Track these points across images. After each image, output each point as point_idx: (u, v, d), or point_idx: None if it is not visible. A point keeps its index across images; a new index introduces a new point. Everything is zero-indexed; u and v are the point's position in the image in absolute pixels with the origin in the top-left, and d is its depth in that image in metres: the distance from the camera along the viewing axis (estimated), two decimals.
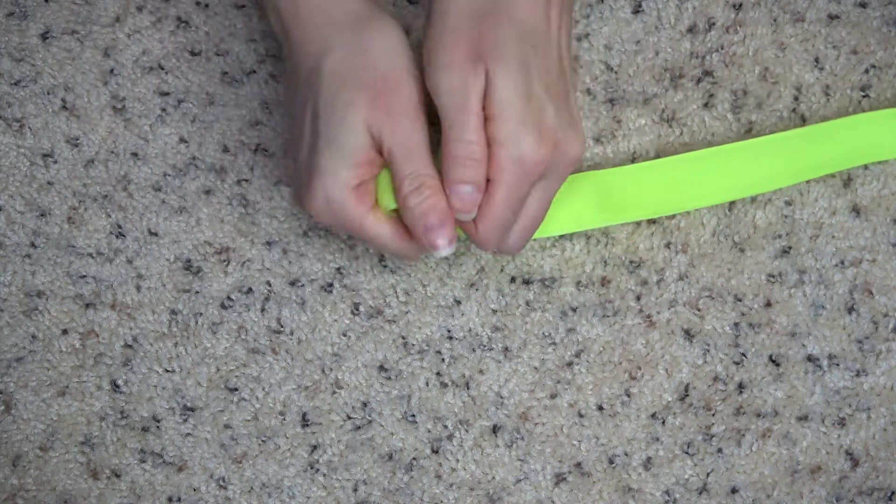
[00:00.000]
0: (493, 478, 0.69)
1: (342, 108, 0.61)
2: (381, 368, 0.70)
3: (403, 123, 0.61)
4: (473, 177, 0.61)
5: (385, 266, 0.71)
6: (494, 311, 0.70)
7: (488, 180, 0.61)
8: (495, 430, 0.69)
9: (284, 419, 0.70)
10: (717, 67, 0.72)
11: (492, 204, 0.62)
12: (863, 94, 0.72)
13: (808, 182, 0.71)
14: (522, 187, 0.62)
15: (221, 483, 0.69)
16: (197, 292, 0.71)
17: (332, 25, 0.63)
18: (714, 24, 0.73)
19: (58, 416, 0.70)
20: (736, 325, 0.70)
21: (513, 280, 0.71)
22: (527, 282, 0.71)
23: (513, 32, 0.61)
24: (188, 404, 0.70)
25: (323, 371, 0.70)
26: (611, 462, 0.69)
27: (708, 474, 0.69)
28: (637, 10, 0.73)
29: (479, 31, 0.61)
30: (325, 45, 0.63)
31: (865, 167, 0.71)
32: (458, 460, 0.69)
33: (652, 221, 0.71)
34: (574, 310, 0.70)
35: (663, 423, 0.69)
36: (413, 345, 0.70)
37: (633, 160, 0.72)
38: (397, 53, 0.63)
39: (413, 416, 0.69)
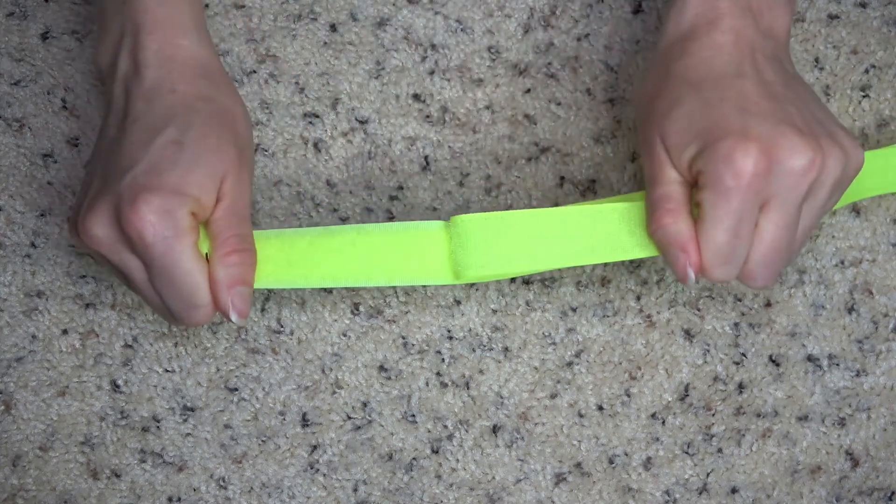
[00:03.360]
0: (493, 478, 0.69)
1: (214, 147, 0.61)
2: (381, 368, 0.70)
3: (247, 190, 0.62)
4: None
5: None
6: (494, 311, 0.70)
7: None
8: (495, 430, 0.69)
9: (284, 419, 0.70)
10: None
11: (705, 229, 0.59)
12: (863, 94, 0.72)
13: None
14: (734, 206, 0.58)
15: (221, 483, 0.69)
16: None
17: (204, 77, 0.64)
18: None
19: (58, 416, 0.70)
20: (736, 325, 0.70)
21: (513, 280, 0.71)
22: (527, 282, 0.71)
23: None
24: (188, 404, 0.70)
25: (323, 371, 0.70)
26: (611, 462, 0.69)
27: (708, 474, 0.69)
28: (637, 10, 0.73)
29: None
30: (199, 92, 0.63)
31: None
32: (458, 460, 0.69)
33: None
34: (574, 310, 0.70)
35: (663, 423, 0.69)
36: (413, 345, 0.70)
37: (634, 160, 0.72)
38: (248, 122, 0.64)
39: (413, 416, 0.69)
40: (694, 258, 0.59)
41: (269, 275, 0.64)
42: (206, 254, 0.62)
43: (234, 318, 0.61)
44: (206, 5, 0.73)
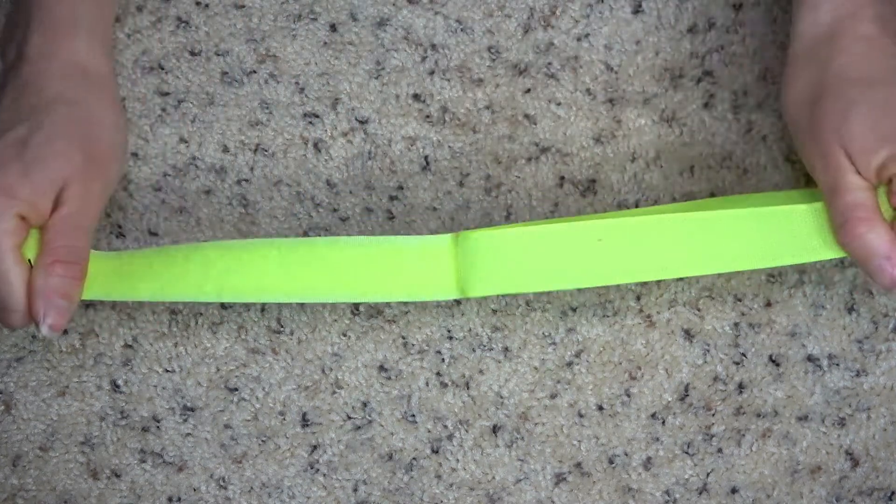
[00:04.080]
0: (493, 478, 0.69)
1: (58, 152, 0.60)
2: (381, 368, 0.70)
3: (92, 199, 0.61)
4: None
5: None
6: (494, 311, 0.70)
7: None
8: (495, 430, 0.69)
9: (284, 419, 0.69)
10: (717, 67, 0.72)
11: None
12: None
13: (808, 182, 0.71)
14: None
15: (221, 483, 0.69)
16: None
17: (79, 79, 0.63)
18: (714, 24, 0.73)
19: (58, 416, 0.70)
20: (736, 325, 0.70)
21: None
22: None
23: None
24: (188, 404, 0.70)
25: (323, 371, 0.70)
26: (611, 462, 0.69)
27: (708, 474, 0.69)
28: (637, 10, 0.73)
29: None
30: (64, 94, 0.62)
31: None
32: (458, 460, 0.69)
33: None
34: (574, 310, 0.70)
35: (663, 423, 0.69)
36: (413, 345, 0.70)
37: (634, 160, 0.72)
38: (118, 133, 0.63)
39: (413, 416, 0.69)
40: None
41: (101, 287, 0.63)
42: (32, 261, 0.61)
43: (44, 330, 0.60)
44: (206, 5, 0.73)
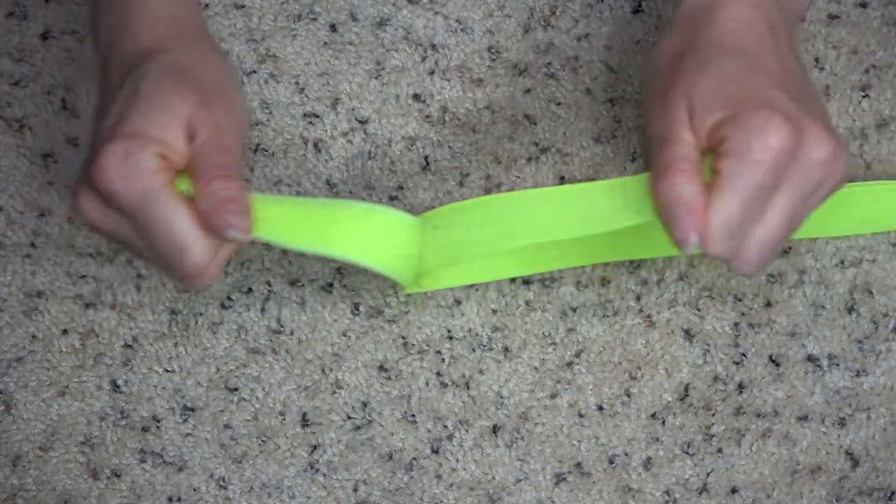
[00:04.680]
0: (493, 478, 0.69)
1: (170, 92, 0.59)
2: (381, 368, 0.70)
3: (223, 125, 0.59)
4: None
5: None
6: (494, 311, 0.70)
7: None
8: (495, 430, 0.69)
9: (284, 419, 0.69)
10: None
11: (720, 196, 0.57)
12: (863, 94, 0.72)
13: None
14: (756, 180, 0.56)
15: (221, 483, 0.69)
16: (197, 292, 0.71)
17: (169, 29, 0.62)
18: None
19: (58, 416, 0.70)
20: (736, 325, 0.70)
21: (513, 280, 0.71)
22: (527, 282, 0.71)
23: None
24: (188, 404, 0.70)
25: (323, 371, 0.70)
26: (611, 462, 0.69)
27: (708, 474, 0.69)
28: (637, 10, 0.73)
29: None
30: (160, 45, 0.61)
31: (867, 165, 0.71)
32: (458, 460, 0.69)
33: None
34: (574, 310, 0.70)
35: (663, 423, 0.69)
36: (413, 345, 0.70)
37: (634, 160, 0.72)
38: (227, 72, 0.63)
39: (413, 416, 0.69)
40: (700, 222, 0.57)
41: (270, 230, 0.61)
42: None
43: (232, 234, 0.57)
44: (206, 5, 0.73)
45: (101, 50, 0.64)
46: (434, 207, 0.71)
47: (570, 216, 0.62)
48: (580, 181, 0.71)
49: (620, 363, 0.70)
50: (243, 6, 0.74)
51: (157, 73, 0.60)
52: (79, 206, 0.59)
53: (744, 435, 0.69)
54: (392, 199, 0.71)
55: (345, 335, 0.70)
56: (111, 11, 0.63)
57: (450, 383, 0.70)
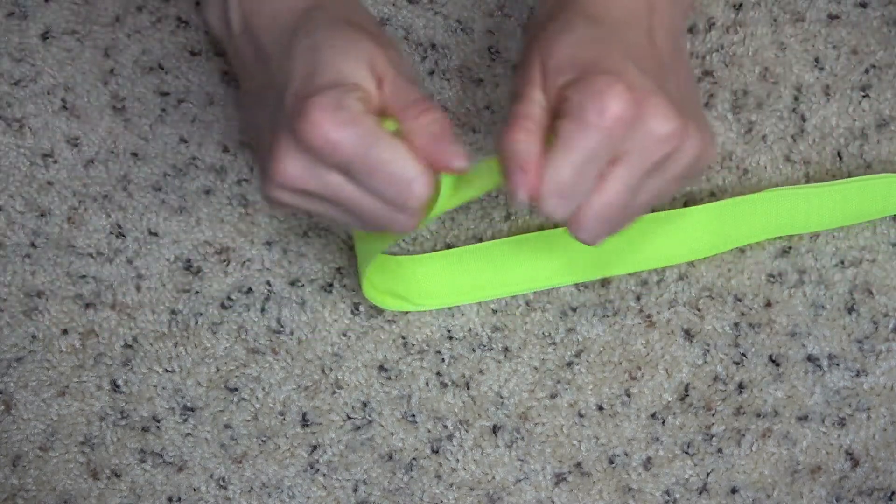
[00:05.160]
0: (493, 478, 0.69)
1: (346, 38, 0.59)
2: (381, 368, 0.70)
3: (404, 67, 0.60)
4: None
5: None
6: (494, 311, 0.70)
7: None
8: (495, 430, 0.69)
9: (284, 419, 0.69)
10: (717, 67, 0.72)
11: (554, 156, 0.57)
12: (863, 94, 0.72)
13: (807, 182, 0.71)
14: (590, 143, 0.56)
15: (221, 483, 0.69)
16: (197, 292, 0.71)
17: None
18: (714, 24, 0.73)
19: (58, 416, 0.70)
20: (736, 325, 0.70)
21: None
22: None
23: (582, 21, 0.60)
24: (188, 404, 0.70)
25: (323, 371, 0.70)
26: (611, 462, 0.69)
27: (708, 474, 0.69)
28: None
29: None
30: (309, 3, 0.61)
31: (868, 165, 0.71)
32: (458, 460, 0.69)
33: None
34: (574, 310, 0.70)
35: (663, 423, 0.69)
36: (413, 345, 0.70)
37: None
38: (377, 24, 0.63)
39: (413, 416, 0.69)
40: (533, 182, 0.57)
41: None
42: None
43: (456, 164, 0.57)
44: None
45: (232, 25, 0.64)
46: None
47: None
48: None
49: (620, 363, 0.70)
50: None
51: (328, 24, 0.60)
52: (283, 173, 0.58)
53: (744, 435, 0.69)
54: None
55: (345, 335, 0.70)
56: None
57: (450, 383, 0.70)
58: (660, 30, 0.61)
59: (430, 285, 0.70)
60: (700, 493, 0.69)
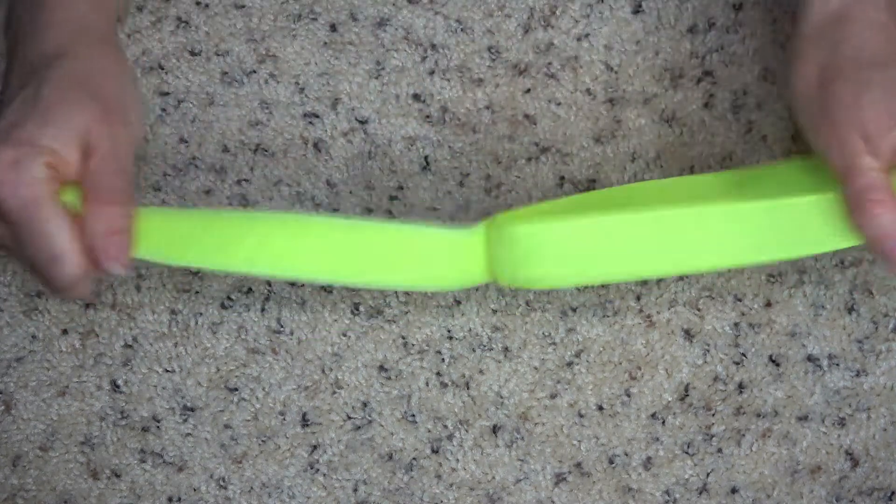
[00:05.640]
0: (493, 478, 0.69)
1: (72, 101, 0.59)
2: (381, 368, 0.70)
3: (121, 143, 0.59)
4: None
5: None
6: (494, 311, 0.70)
7: None
8: (495, 430, 0.69)
9: (284, 419, 0.69)
10: (717, 67, 0.72)
11: None
12: None
13: None
14: None
15: (221, 483, 0.69)
16: (197, 292, 0.71)
17: (70, 34, 0.62)
18: (714, 24, 0.73)
19: (58, 416, 0.70)
20: (736, 325, 0.70)
21: None
22: None
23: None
24: (188, 404, 0.70)
25: (323, 371, 0.70)
26: (611, 462, 0.69)
27: (708, 474, 0.69)
28: (637, 10, 0.73)
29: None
30: (66, 49, 0.61)
31: None
32: (458, 460, 0.69)
33: None
34: (574, 310, 0.70)
35: (663, 423, 0.69)
36: (413, 345, 0.70)
37: (634, 160, 0.72)
38: (129, 82, 0.62)
39: (413, 416, 0.69)
40: None
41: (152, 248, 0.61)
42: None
43: (111, 266, 0.57)
44: (206, 5, 0.73)
45: (8, 45, 0.64)
46: (434, 207, 0.71)
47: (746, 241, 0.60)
48: (580, 181, 0.71)
49: (620, 363, 0.70)
50: (243, 6, 0.73)
51: (59, 82, 0.60)
52: None
53: (744, 435, 0.69)
54: (392, 199, 0.71)
55: (345, 335, 0.70)
56: (23, 6, 0.63)
57: (450, 383, 0.70)
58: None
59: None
60: (700, 493, 0.69)
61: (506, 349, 0.70)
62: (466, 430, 0.69)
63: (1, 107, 0.61)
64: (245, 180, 0.72)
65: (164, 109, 0.72)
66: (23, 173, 0.57)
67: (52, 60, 0.61)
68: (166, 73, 0.73)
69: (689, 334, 0.70)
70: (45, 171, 0.57)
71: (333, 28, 0.73)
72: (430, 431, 0.69)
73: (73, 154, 0.58)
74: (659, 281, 0.70)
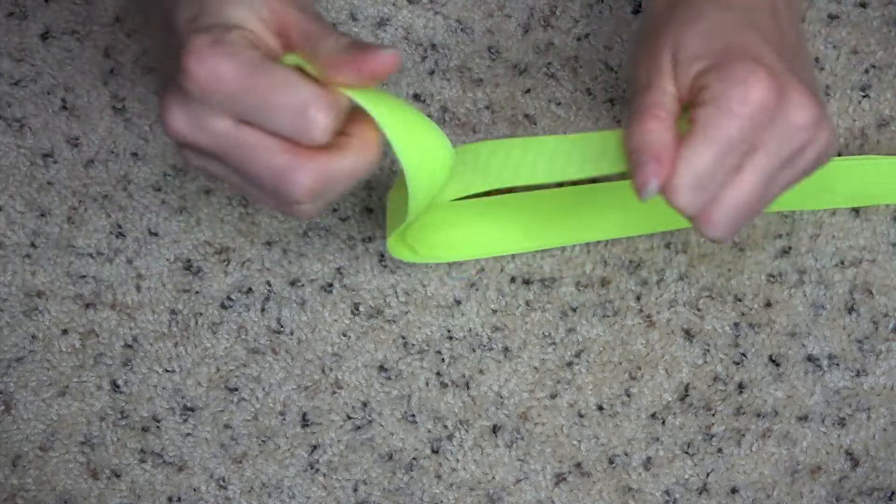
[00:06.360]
0: (493, 478, 0.69)
1: None
2: (381, 368, 0.70)
3: (319, 21, 0.55)
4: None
5: (385, 266, 0.71)
6: (494, 311, 0.70)
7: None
8: (495, 430, 0.69)
9: (284, 419, 0.69)
10: None
11: (692, 145, 0.55)
12: (863, 94, 0.72)
13: None
14: (731, 132, 0.54)
15: (221, 483, 0.69)
16: (197, 292, 0.71)
17: None
18: None
19: (58, 416, 0.70)
20: (736, 325, 0.70)
21: (513, 280, 0.71)
22: (527, 282, 0.71)
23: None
24: (188, 404, 0.70)
25: (323, 371, 0.70)
26: (611, 462, 0.69)
27: (708, 474, 0.69)
28: (637, 10, 0.73)
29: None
30: None
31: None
32: (458, 460, 0.69)
33: None
34: (574, 310, 0.70)
35: (663, 423, 0.69)
36: (413, 345, 0.70)
37: None
38: None
39: (413, 416, 0.69)
40: (665, 171, 0.55)
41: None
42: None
43: (386, 58, 0.52)
44: None
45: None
46: None
47: (575, 159, 0.60)
48: (580, 181, 0.71)
49: (620, 363, 0.70)
50: None
51: None
52: (169, 122, 0.53)
53: (744, 435, 0.69)
54: None
55: (345, 335, 0.70)
56: None
57: (450, 383, 0.70)
58: (784, 12, 0.59)
59: (456, 236, 0.68)
60: (700, 493, 0.69)
61: (506, 349, 0.70)
62: (466, 430, 0.69)
63: (174, 12, 0.55)
64: None
65: None
66: (228, 45, 0.52)
67: None
68: None
69: (689, 334, 0.70)
70: (246, 38, 0.53)
71: (333, 28, 0.73)
72: (430, 431, 0.69)
73: (258, 27, 0.54)
74: (659, 281, 0.70)
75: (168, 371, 0.70)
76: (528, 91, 0.73)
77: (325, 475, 0.69)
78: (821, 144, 0.57)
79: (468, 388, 0.70)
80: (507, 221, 0.69)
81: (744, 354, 0.70)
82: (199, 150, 0.55)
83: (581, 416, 0.69)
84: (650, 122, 0.56)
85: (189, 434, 0.69)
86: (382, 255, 0.71)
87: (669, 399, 0.69)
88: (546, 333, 0.70)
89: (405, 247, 0.68)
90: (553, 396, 0.70)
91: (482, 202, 0.69)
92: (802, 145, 0.56)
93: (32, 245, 0.71)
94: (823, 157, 0.58)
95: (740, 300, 0.70)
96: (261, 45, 0.54)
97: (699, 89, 0.56)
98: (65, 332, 0.70)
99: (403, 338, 0.70)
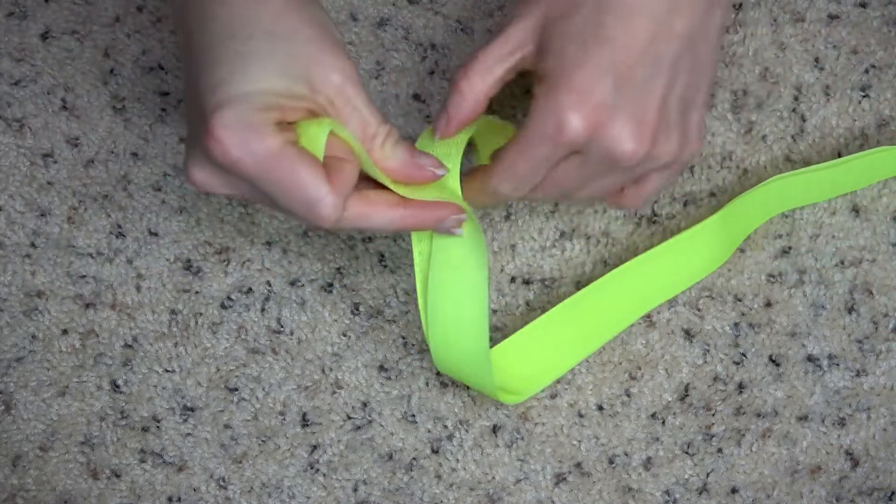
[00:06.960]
0: (493, 478, 0.69)
1: (285, 41, 0.56)
2: (381, 368, 0.70)
3: (355, 80, 0.57)
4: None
5: (385, 266, 0.71)
6: (494, 311, 0.70)
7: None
8: (495, 430, 0.69)
9: (284, 419, 0.70)
10: (718, 67, 0.72)
11: (510, 152, 0.60)
12: (863, 94, 0.72)
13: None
14: (544, 151, 0.59)
15: (221, 483, 0.69)
16: (197, 292, 0.71)
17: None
18: None
19: (58, 416, 0.70)
20: (736, 325, 0.70)
21: (513, 280, 0.71)
22: (527, 282, 0.71)
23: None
24: (188, 404, 0.70)
25: (323, 371, 0.70)
26: (611, 462, 0.69)
27: (708, 474, 0.69)
28: None
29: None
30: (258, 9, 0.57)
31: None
32: (458, 460, 0.69)
33: (653, 221, 0.71)
34: None
35: (663, 423, 0.69)
36: (413, 345, 0.70)
37: None
38: (325, 18, 0.59)
39: (413, 416, 0.70)
40: (450, 132, 0.62)
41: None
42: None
43: (441, 172, 0.60)
44: None
45: (193, 10, 0.59)
46: None
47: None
48: None
49: (620, 363, 0.70)
50: None
51: (266, 27, 0.56)
52: (191, 176, 0.56)
53: (744, 435, 0.69)
54: None
55: (345, 335, 0.70)
56: None
57: (450, 383, 0.70)
58: (680, 19, 0.59)
59: (528, 368, 0.68)
60: (700, 493, 0.69)
61: None
62: (466, 430, 0.69)
63: (199, 69, 0.57)
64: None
65: (163, 109, 0.72)
66: (250, 130, 0.54)
67: (254, 15, 0.57)
68: (166, 73, 0.73)
69: (689, 334, 0.70)
70: (270, 117, 0.55)
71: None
72: (430, 431, 0.69)
73: (297, 86, 0.56)
74: None
75: (168, 371, 0.70)
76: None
77: (325, 475, 0.69)
78: (656, 161, 0.60)
79: (468, 388, 0.70)
80: (569, 328, 0.69)
81: (744, 354, 0.70)
82: (224, 195, 0.60)
83: (581, 416, 0.69)
84: (474, 76, 0.61)
85: (189, 434, 0.69)
86: (382, 255, 0.71)
87: (669, 399, 0.69)
88: None
89: (508, 394, 0.68)
90: (553, 396, 0.70)
91: (537, 326, 0.69)
92: (626, 167, 0.60)
93: (32, 245, 0.71)
94: (668, 169, 0.61)
95: (740, 300, 0.70)
96: (291, 103, 0.56)
97: (538, 77, 0.60)
98: (65, 332, 0.70)
99: (403, 338, 0.70)
